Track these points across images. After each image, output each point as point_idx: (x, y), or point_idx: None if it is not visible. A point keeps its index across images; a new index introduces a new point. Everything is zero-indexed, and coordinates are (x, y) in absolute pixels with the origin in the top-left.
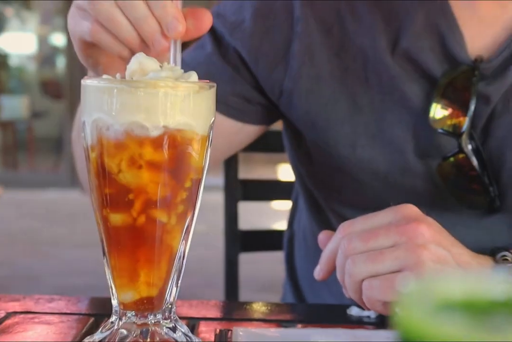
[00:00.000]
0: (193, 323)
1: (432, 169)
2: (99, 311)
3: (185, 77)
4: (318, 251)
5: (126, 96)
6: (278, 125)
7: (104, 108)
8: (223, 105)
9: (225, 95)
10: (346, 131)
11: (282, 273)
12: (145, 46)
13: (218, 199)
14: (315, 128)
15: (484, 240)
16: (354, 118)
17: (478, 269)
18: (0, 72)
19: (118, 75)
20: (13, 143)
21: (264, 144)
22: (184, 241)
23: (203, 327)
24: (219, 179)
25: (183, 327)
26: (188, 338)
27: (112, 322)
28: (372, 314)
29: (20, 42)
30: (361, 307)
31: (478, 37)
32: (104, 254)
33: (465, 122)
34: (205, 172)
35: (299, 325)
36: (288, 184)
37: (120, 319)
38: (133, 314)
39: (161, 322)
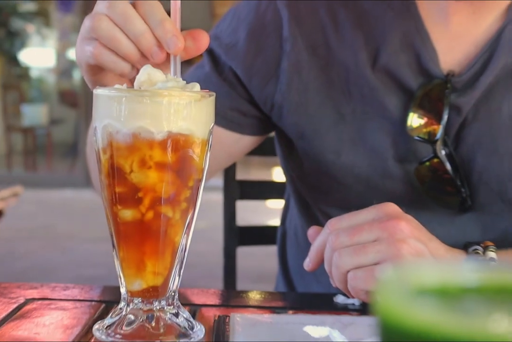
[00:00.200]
0: (194, 310)
1: (410, 173)
2: (109, 298)
3: (189, 87)
4: (307, 246)
5: (134, 104)
6: (272, 132)
7: (114, 114)
8: (222, 119)
9: (223, 110)
10: (331, 140)
11: (275, 265)
12: (145, 60)
13: (218, 198)
14: (303, 137)
15: (457, 236)
16: (338, 127)
17: (450, 259)
18: (22, 83)
19: (124, 85)
20: (33, 147)
21: (260, 149)
22: (186, 235)
23: (203, 313)
24: (219, 180)
25: (185, 313)
26: (189, 323)
27: (120, 308)
28: (356, 302)
29: (41, 56)
30: (346, 295)
31: (450, 53)
32: (113, 246)
33: (439, 130)
34: (205, 173)
35: (290, 312)
36: (281, 185)
37: (128, 305)
38: (140, 301)
39: (165, 308)
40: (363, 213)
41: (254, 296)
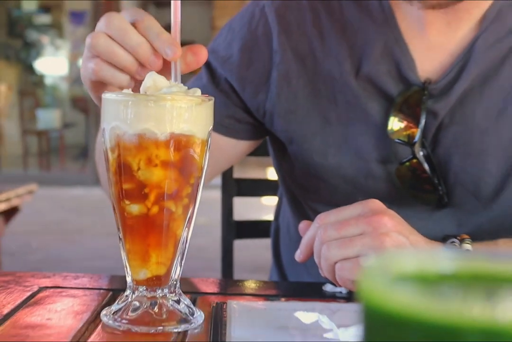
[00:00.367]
0: (194, 297)
1: (391, 173)
2: (116, 286)
3: (191, 92)
4: (298, 239)
5: (139, 107)
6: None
7: (121, 117)
8: (219, 126)
9: (221, 118)
10: (318, 143)
11: (269, 257)
12: (143, 70)
13: (217, 196)
14: (293, 142)
15: (435, 230)
16: (325, 132)
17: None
18: (37, 90)
19: (130, 90)
20: (47, 149)
21: (256, 150)
22: (187, 228)
23: (202, 300)
24: (217, 179)
25: (186, 300)
26: (190, 309)
27: (126, 296)
28: (343, 290)
29: (54, 65)
30: (334, 284)
31: (427, 62)
32: (120, 239)
33: (417, 133)
34: (204, 171)
35: (283, 299)
36: (275, 183)
37: (133, 293)
38: (144, 289)
39: (168, 295)
40: (349, 209)
41: (250, 285)
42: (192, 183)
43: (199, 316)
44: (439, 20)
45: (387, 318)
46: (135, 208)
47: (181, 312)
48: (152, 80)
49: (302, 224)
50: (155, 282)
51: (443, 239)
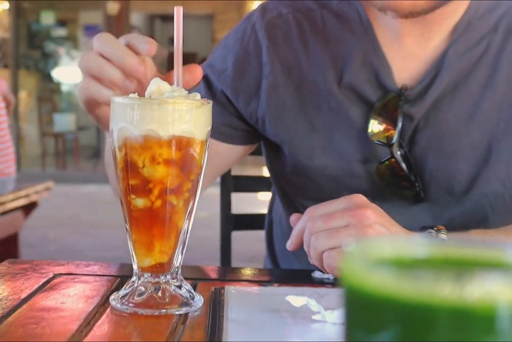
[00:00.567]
0: (194, 283)
1: (371, 171)
2: (124, 273)
3: (191, 96)
4: (290, 231)
5: (144, 110)
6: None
7: (127, 119)
8: (217, 134)
9: (218, 126)
10: (305, 146)
11: (264, 247)
12: (129, 82)
13: (216, 192)
14: (283, 145)
15: (412, 223)
16: (311, 136)
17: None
18: (54, 96)
19: (136, 94)
20: (63, 149)
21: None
22: (187, 220)
23: (202, 285)
24: None
25: (187, 286)
26: (190, 293)
27: (133, 281)
28: (330, 277)
29: (70, 74)
30: (322, 271)
31: (403, 70)
32: (127, 230)
33: (395, 135)
34: (203, 168)
35: (275, 285)
36: (269, 180)
37: (139, 279)
38: (149, 275)
39: (170, 281)
40: (336, 203)
41: (246, 272)
42: (192, 179)
43: (199, 300)
44: (413, 32)
45: (366, 298)
46: (140, 202)
47: (182, 296)
48: (156, 85)
49: (293, 217)
50: (159, 269)
51: (421, 229)
